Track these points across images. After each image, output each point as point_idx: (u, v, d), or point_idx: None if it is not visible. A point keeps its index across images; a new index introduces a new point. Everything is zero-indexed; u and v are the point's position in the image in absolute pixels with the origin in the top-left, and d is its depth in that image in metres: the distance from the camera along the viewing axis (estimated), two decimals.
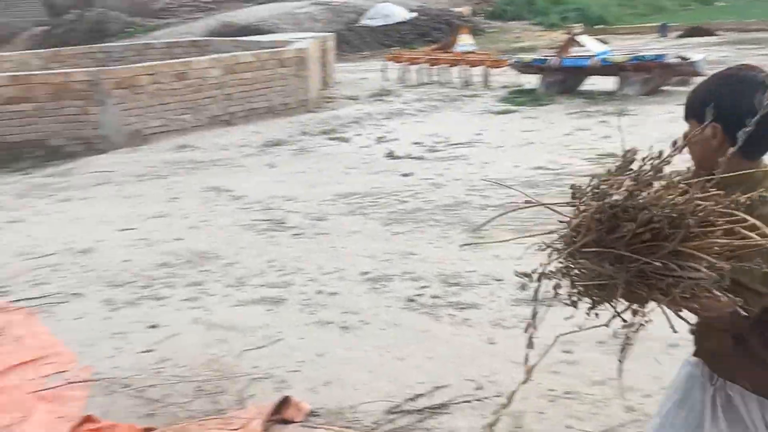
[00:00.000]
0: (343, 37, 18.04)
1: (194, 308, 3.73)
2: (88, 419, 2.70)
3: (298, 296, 3.82)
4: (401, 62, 12.36)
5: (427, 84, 11.75)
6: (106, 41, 20.30)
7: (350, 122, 8.82)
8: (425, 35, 19.60)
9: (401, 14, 20.66)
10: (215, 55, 9.67)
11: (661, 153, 1.21)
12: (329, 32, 14.97)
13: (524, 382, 1.30)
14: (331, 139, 7.96)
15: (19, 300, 3.85)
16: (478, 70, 11.29)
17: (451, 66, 11.76)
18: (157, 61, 9.98)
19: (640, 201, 1.18)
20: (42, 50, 13.46)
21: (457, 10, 22.32)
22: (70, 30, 23.89)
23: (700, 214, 1.18)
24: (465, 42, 12.16)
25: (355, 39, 19.47)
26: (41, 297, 3.88)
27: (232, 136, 8.22)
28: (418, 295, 3.72)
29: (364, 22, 20.62)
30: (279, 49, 10.14)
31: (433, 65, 11.96)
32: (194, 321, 3.57)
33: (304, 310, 3.66)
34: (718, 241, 1.19)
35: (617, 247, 1.18)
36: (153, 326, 3.53)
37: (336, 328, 3.45)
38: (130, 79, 8.20)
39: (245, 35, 16.75)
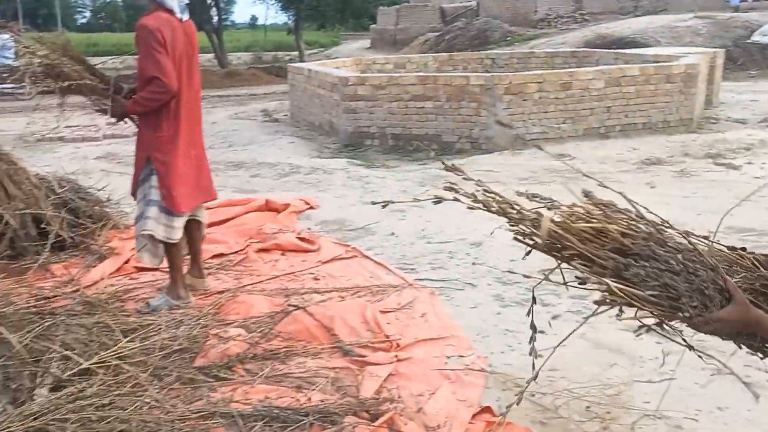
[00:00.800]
0: (727, 54, 16.18)
1: (579, 322, 3.61)
2: (486, 410, 2.77)
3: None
4: None
5: None
6: (488, 48, 21.38)
7: (739, 148, 7.81)
8: None
9: None
10: (601, 67, 9.39)
11: None
12: (713, 48, 13.50)
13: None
14: (717, 164, 7.14)
15: (423, 279, 4.16)
16: None
17: None
18: (538, 70, 10.10)
19: None
20: (438, 54, 14.66)
21: None
22: (457, 36, 25.71)
23: None
24: None
25: (743, 56, 17.31)
26: (441, 280, 4.15)
27: (608, 150, 7.89)
28: None
29: (756, 38, 18.20)
30: (666, 63, 9.44)
31: None
32: (581, 335, 3.44)
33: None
34: None
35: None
36: (540, 331, 3.49)
37: (738, 382, 3.01)
38: (519, 85, 8.40)
39: (619, 48, 16.06)
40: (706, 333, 1.71)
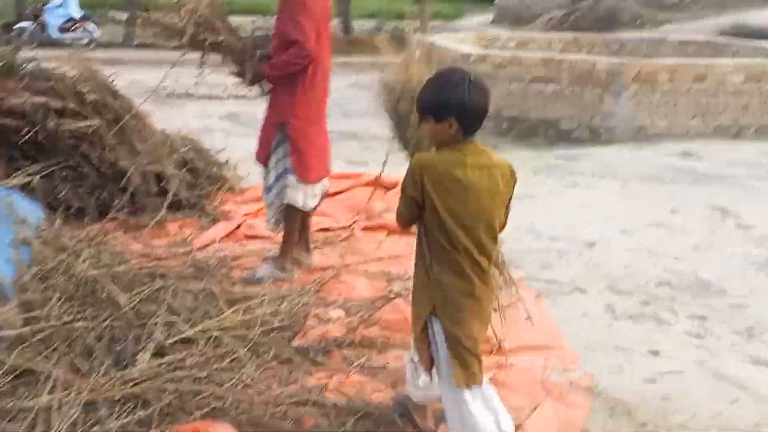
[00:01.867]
0: None
1: (699, 347, 3.23)
2: None
3: None
4: None
5: None
6: (614, 31, 20.03)
7: None
8: None
9: None
10: (742, 60, 8.50)
11: None
12: None
13: None
14: None
15: (529, 278, 3.88)
16: None
17: None
18: (669, 58, 9.27)
19: None
20: (563, 34, 13.85)
21: None
22: (584, 16, 24.27)
23: None
24: None
25: None
26: (549, 282, 3.86)
27: (741, 153, 7.14)
28: None
29: None
30: None
31: None
32: (699, 363, 3.08)
33: None
34: None
35: None
36: (655, 352, 3.17)
37: None
38: (649, 74, 7.74)
39: (758, 39, 14.49)
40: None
